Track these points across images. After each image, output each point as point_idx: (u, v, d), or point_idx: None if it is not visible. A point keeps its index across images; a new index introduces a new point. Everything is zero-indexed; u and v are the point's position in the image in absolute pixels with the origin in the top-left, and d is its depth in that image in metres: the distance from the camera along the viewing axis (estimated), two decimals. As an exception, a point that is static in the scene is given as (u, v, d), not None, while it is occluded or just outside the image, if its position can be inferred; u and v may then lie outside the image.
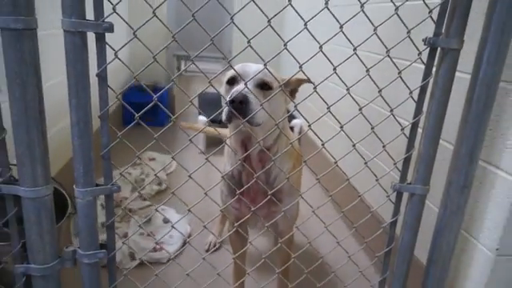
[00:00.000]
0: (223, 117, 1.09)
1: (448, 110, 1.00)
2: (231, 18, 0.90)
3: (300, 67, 0.92)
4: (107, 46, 0.86)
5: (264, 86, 1.12)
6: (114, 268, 1.05)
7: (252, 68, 1.17)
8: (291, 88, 1.26)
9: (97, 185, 0.96)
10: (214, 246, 1.88)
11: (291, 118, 3.31)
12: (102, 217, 1.92)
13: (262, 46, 0.89)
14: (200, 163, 1.02)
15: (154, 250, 1.76)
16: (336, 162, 1.03)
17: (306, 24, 0.90)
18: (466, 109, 1.01)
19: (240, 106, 1.03)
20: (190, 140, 0.98)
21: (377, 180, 1.07)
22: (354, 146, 1.01)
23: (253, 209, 1.10)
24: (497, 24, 0.92)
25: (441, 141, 1.30)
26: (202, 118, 3.11)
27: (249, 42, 0.89)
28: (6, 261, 1.06)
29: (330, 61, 0.93)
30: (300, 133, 3.18)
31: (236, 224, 1.32)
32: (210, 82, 0.93)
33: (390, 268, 1.16)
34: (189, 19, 0.87)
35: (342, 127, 0.99)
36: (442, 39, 0.95)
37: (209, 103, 3.52)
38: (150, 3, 0.87)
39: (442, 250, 1.11)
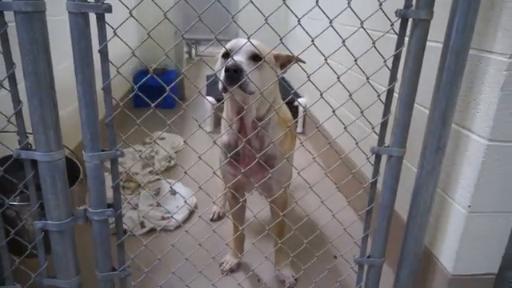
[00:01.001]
0: (219, 86, 1.19)
1: (426, 77, 1.08)
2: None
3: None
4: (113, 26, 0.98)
5: (256, 58, 1.22)
6: (121, 225, 1.18)
7: (244, 42, 1.27)
8: (281, 62, 1.35)
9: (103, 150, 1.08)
10: (218, 215, 2.01)
11: (296, 96, 3.39)
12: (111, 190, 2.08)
13: (270, 21, 0.98)
14: (207, 140, 1.14)
15: (162, 218, 1.90)
16: (318, 127, 1.12)
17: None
18: (438, 77, 1.09)
19: (234, 74, 1.13)
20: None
21: (356, 144, 1.16)
22: (333, 111, 1.10)
23: (243, 170, 1.21)
24: (464, -5, 1.00)
25: (419, 106, 1.39)
26: (211, 99, 3.23)
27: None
28: (27, 219, 1.20)
29: (308, 33, 1.02)
30: (305, 111, 3.26)
31: (232, 189, 1.43)
32: (210, 67, 1.04)
33: (372, 225, 1.27)
34: (196, 4, 0.98)
35: (321, 94, 1.09)
36: (413, 11, 1.02)
37: (216, 83, 3.63)
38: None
39: (420, 208, 1.20)
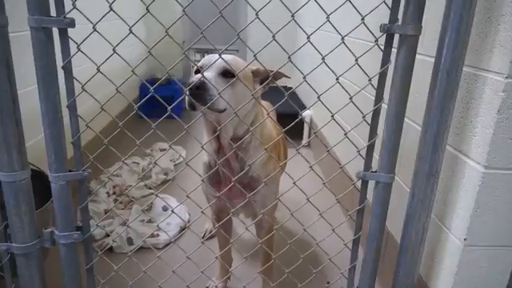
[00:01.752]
0: (186, 103, 1.13)
1: (422, 94, 0.99)
2: (237, 35, 0.94)
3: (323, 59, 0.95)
4: (106, 38, 0.93)
5: (227, 74, 1.14)
6: (91, 248, 1.12)
7: (215, 57, 1.20)
8: (261, 78, 1.27)
9: (70, 171, 1.03)
10: (210, 232, 1.94)
11: (302, 108, 3.31)
12: (104, 204, 2.04)
13: (278, 36, 0.91)
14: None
15: (152, 235, 1.84)
16: (315, 132, 1.04)
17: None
18: (429, 97, 1.00)
19: (197, 91, 1.06)
20: (201, 147, 1.03)
21: (341, 168, 1.08)
22: (315, 133, 1.02)
23: (219, 194, 1.14)
24: (456, 8, 0.91)
25: (415, 124, 1.29)
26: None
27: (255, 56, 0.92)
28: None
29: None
30: (310, 123, 3.17)
31: (216, 211, 1.36)
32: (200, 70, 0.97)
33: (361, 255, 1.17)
34: (202, 14, 0.92)
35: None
36: (398, 26, 0.94)
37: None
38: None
39: (412, 239, 1.10)
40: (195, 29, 0.88)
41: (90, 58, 0.95)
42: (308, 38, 0.94)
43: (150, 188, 2.29)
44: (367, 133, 1.06)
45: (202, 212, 1.14)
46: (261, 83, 1.26)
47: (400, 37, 0.96)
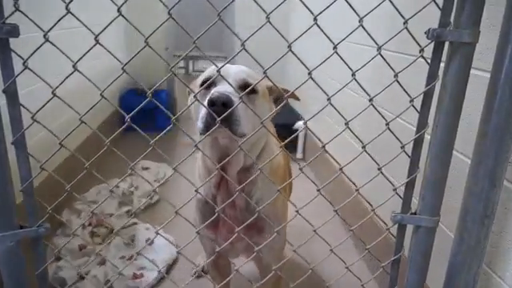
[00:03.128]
0: (199, 124, 0.89)
1: (470, 117, 0.78)
2: (242, 45, 0.71)
3: (309, 74, 0.72)
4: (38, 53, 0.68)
5: (246, 88, 0.91)
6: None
7: (232, 68, 0.99)
8: (274, 97, 1.06)
9: (21, 227, 0.78)
10: (203, 269, 1.69)
11: (295, 119, 3.09)
12: (78, 238, 1.77)
13: (267, 44, 0.70)
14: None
15: (135, 276, 1.59)
16: (324, 147, 0.82)
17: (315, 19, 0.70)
18: (484, 119, 0.79)
19: (223, 109, 0.83)
20: (195, 190, 0.79)
21: (373, 210, 0.85)
22: (340, 169, 0.80)
23: (216, 234, 0.91)
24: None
25: (459, 154, 1.08)
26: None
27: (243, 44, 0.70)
28: None
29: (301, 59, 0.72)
30: (305, 135, 2.96)
31: (213, 257, 1.12)
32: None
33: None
34: (188, 15, 0.70)
35: (323, 147, 0.78)
36: (450, 31, 0.72)
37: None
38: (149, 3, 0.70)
39: (459, 294, 0.89)
40: (179, 34, 0.64)
41: (41, 78, 0.70)
42: (335, 47, 0.72)
43: (133, 214, 2.04)
44: (380, 143, 0.84)
45: (196, 232, 0.90)
46: (273, 102, 1.05)
47: (451, 45, 0.74)
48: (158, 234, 0.87)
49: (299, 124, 3.07)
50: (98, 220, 1.87)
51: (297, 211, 0.89)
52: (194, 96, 0.79)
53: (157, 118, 3.47)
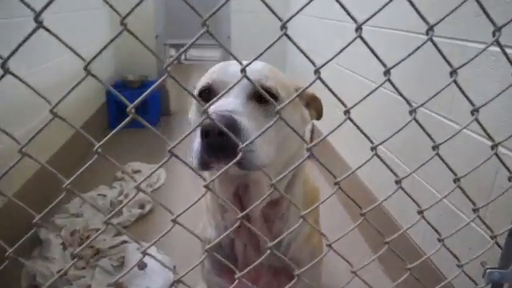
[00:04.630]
0: (193, 160, 0.63)
1: None
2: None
3: (316, 71, 0.46)
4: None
5: (263, 97, 0.65)
6: None
7: (238, 68, 0.71)
8: (306, 102, 0.80)
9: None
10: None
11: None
12: (57, 262, 1.51)
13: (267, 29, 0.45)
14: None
15: (124, 309, 1.33)
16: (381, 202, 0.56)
17: None
18: None
19: (221, 140, 0.57)
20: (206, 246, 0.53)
21: (460, 266, 0.60)
22: (375, 154, 0.54)
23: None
24: None
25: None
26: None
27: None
28: None
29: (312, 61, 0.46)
30: (312, 133, 2.70)
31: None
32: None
33: None
34: (178, 4, 0.44)
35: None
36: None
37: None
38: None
39: None
40: (170, 20, 0.36)
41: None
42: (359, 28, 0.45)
43: (124, 227, 1.78)
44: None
45: (197, 236, 0.65)
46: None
47: None
48: (146, 254, 0.61)
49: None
50: (81, 238, 1.60)
51: (329, 245, 0.65)
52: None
53: (148, 112, 3.19)
